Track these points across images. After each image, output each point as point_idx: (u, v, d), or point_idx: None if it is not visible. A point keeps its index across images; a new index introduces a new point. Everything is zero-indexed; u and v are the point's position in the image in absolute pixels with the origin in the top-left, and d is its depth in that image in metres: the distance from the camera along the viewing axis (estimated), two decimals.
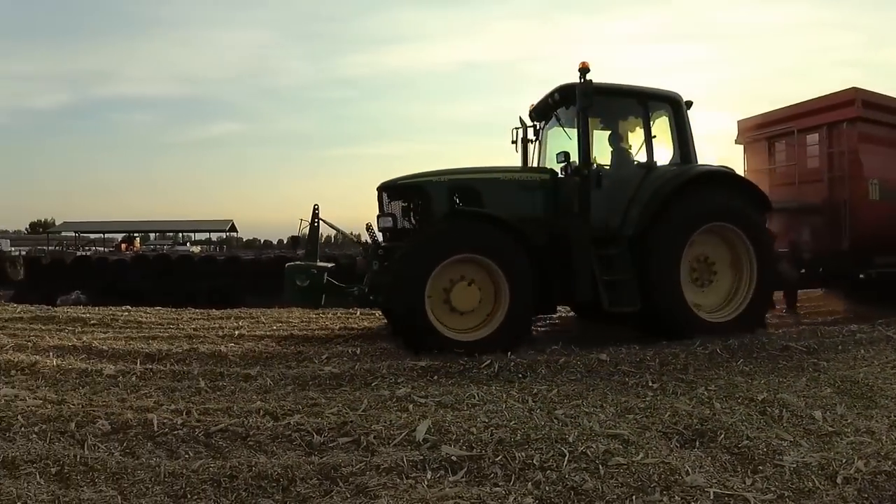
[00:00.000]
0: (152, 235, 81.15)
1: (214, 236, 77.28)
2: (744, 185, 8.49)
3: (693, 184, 7.88)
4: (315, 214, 8.12)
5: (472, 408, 4.83)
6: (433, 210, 7.66)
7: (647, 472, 3.62)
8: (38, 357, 6.65)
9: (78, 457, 3.90)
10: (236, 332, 8.89)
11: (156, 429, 4.37)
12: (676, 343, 7.07)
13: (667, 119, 8.50)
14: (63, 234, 70.98)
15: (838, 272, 10.66)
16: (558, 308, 9.04)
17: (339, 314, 10.67)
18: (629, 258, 7.58)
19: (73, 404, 5.00)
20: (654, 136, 8.31)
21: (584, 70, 7.55)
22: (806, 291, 12.29)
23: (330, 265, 8.21)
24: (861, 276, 10.38)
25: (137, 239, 68.98)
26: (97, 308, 11.42)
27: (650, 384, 5.69)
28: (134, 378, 5.87)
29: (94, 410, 4.76)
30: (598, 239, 7.62)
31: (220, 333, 8.80)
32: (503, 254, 7.13)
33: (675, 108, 8.37)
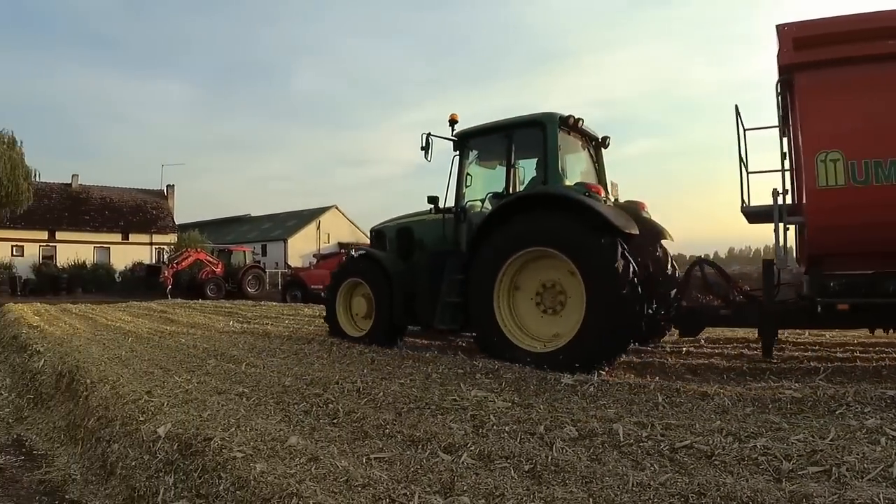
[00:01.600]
0: None
1: None
2: (574, 206, 7.41)
3: (508, 210, 7.82)
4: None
5: None
6: (388, 247, 10.34)
7: None
8: (498, 362, 7.40)
9: (549, 458, 4.20)
10: (682, 349, 8.91)
11: (621, 439, 4.50)
12: None
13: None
14: None
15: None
16: None
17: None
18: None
19: (540, 409, 5.43)
20: (515, 166, 8.81)
21: (451, 122, 9.07)
22: None
23: None
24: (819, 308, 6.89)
25: None
26: None
27: None
28: (592, 389, 6.16)
29: (560, 416, 5.12)
30: (465, 265, 8.29)
31: (668, 349, 9.01)
32: (371, 279, 9.92)
33: (544, 129, 8.25)
